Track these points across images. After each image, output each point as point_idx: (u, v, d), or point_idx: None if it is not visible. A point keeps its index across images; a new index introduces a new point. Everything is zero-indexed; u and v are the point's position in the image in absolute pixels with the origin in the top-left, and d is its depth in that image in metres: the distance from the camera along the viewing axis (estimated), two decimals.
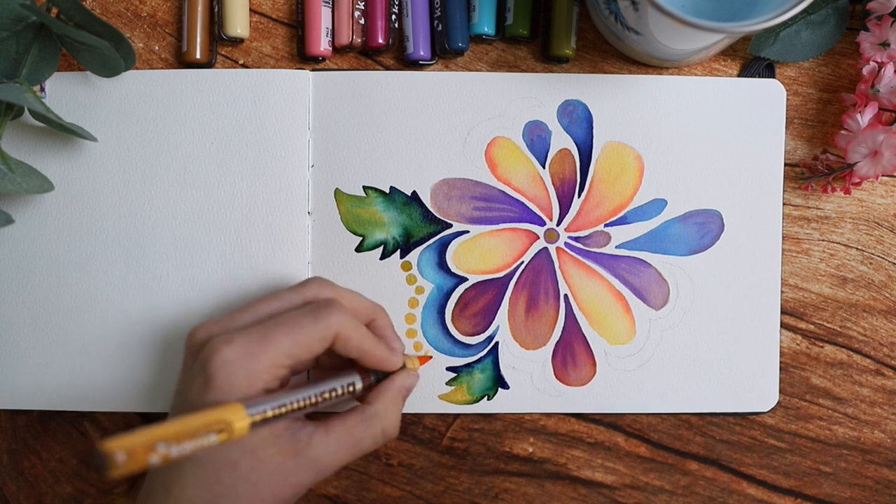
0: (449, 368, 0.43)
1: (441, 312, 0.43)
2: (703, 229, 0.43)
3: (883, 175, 0.41)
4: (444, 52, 0.43)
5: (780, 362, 0.44)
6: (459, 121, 0.43)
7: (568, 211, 0.43)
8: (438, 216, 0.43)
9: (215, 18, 0.43)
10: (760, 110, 0.44)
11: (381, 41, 0.43)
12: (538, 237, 0.43)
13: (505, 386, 0.43)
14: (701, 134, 0.43)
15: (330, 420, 0.36)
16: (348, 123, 0.43)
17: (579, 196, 0.43)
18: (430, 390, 0.43)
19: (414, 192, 0.43)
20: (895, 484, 0.44)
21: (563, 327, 0.43)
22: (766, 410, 0.44)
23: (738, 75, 0.44)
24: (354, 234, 0.43)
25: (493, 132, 0.43)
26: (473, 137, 0.43)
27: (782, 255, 0.44)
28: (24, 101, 0.38)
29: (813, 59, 0.44)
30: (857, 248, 0.44)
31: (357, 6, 0.43)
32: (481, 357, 0.43)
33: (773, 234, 0.44)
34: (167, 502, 0.33)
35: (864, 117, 0.41)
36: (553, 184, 0.43)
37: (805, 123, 0.44)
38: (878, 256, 0.44)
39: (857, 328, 0.44)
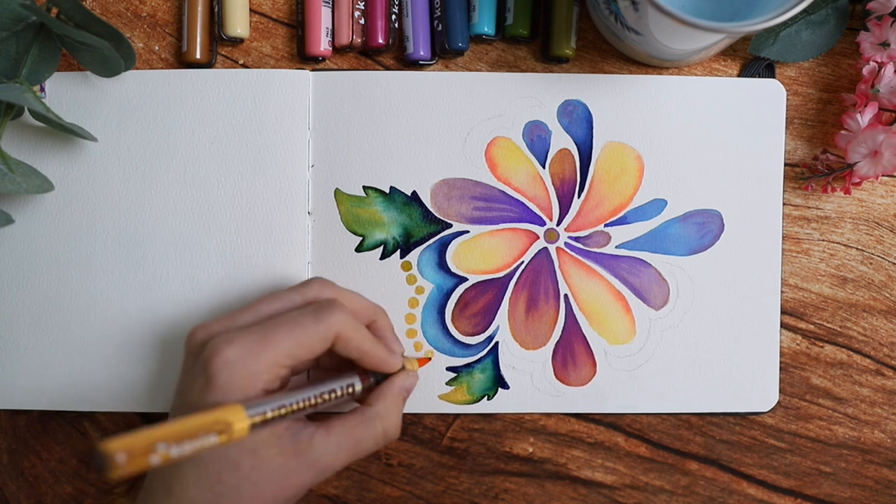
0: (449, 368, 0.43)
1: (441, 312, 0.43)
2: (703, 229, 0.43)
3: (883, 175, 0.41)
4: (444, 52, 0.43)
5: (780, 362, 0.44)
6: (459, 121, 0.43)
7: (568, 211, 0.43)
8: (438, 216, 0.43)
9: (215, 18, 0.43)
10: (760, 110, 0.44)
11: (381, 41, 0.43)
12: (538, 237, 0.43)
13: (505, 386, 0.43)
14: (701, 134, 0.43)
15: (331, 421, 0.36)
16: (348, 123, 0.43)
17: (579, 196, 0.43)
18: (430, 390, 0.43)
19: (414, 192, 0.43)
20: (895, 484, 0.44)
21: (563, 327, 0.43)
22: (766, 410, 0.44)
23: (738, 75, 0.44)
24: (354, 234, 0.43)
25: (493, 132, 0.43)
26: (473, 137, 0.43)
27: (782, 255, 0.44)
28: (24, 101, 0.38)
29: (813, 59, 0.44)
30: (857, 248, 0.44)
31: (357, 6, 0.43)
32: (481, 357, 0.43)
33: (773, 234, 0.44)
34: (168, 502, 0.33)
35: (864, 117, 0.41)
36: (553, 184, 0.43)
37: (805, 123, 0.44)
38: (878, 256, 0.44)
39: (857, 328, 0.44)
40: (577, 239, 0.43)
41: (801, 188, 0.44)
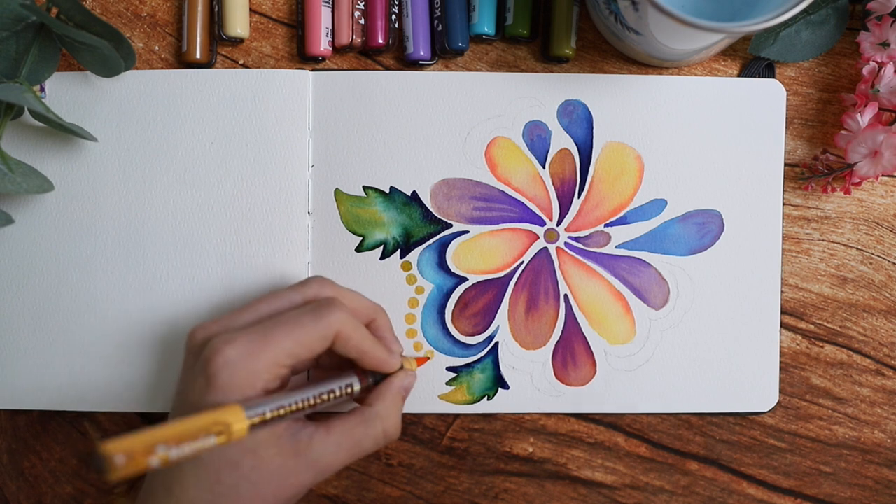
0: (449, 368, 0.43)
1: (441, 312, 0.43)
2: (703, 229, 0.43)
3: (883, 175, 0.41)
4: (444, 52, 0.43)
5: (780, 362, 0.44)
6: (459, 121, 0.43)
7: (568, 211, 0.43)
8: (438, 216, 0.43)
9: (215, 18, 0.43)
10: (760, 110, 0.44)
11: (381, 41, 0.43)
12: (538, 237, 0.43)
13: (505, 386, 0.43)
14: (701, 134, 0.43)
15: (331, 421, 0.36)
16: (348, 123, 0.43)
17: (579, 196, 0.43)
18: (430, 390, 0.43)
19: (414, 192, 0.43)
20: (895, 484, 0.44)
21: (563, 327, 0.43)
22: (766, 410, 0.44)
23: (738, 75, 0.44)
24: (354, 234, 0.43)
25: (493, 132, 0.43)
26: (473, 137, 0.43)
27: (782, 255, 0.44)
28: (24, 101, 0.38)
29: (813, 59, 0.44)
30: (857, 248, 0.44)
31: (357, 6, 0.43)
32: (481, 357, 0.43)
33: (773, 234, 0.44)
34: (168, 502, 0.33)
35: (864, 117, 0.41)
36: (553, 184, 0.43)
37: (805, 123, 0.44)
38: (878, 256, 0.44)
39: (857, 328, 0.44)
40: (577, 239, 0.43)
41: (801, 188, 0.44)
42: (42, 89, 0.42)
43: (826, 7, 0.43)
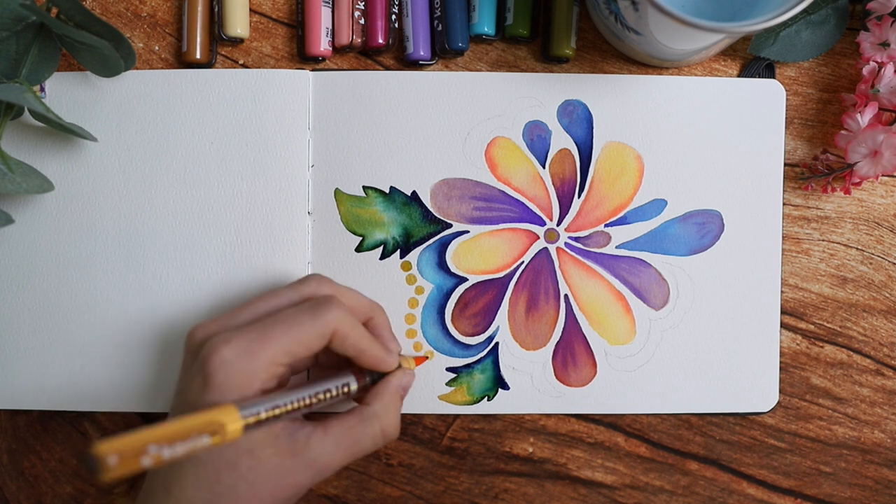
0: (449, 369, 0.43)
1: (441, 312, 0.43)
2: (703, 229, 0.43)
3: (883, 175, 0.41)
4: (444, 52, 0.43)
5: (780, 362, 0.44)
6: (459, 121, 0.43)
7: (568, 211, 0.43)
8: (438, 216, 0.43)
9: (215, 18, 0.43)
10: (760, 110, 0.44)
11: (381, 41, 0.43)
12: (538, 237, 0.43)
13: (505, 386, 0.43)
14: (701, 134, 0.43)
15: (329, 420, 0.36)
16: (348, 123, 0.43)
17: (579, 196, 0.43)
18: (430, 391, 0.43)
19: (414, 192, 0.43)
20: (895, 484, 0.44)
21: (564, 327, 0.43)
22: (766, 410, 0.44)
23: (738, 75, 0.44)
24: (354, 234, 0.43)
25: (493, 132, 0.43)
26: (473, 137, 0.43)
27: (782, 255, 0.44)
28: (24, 101, 0.38)
29: (813, 59, 0.44)
30: (857, 248, 0.44)
31: (357, 6, 0.43)
32: (481, 357, 0.43)
33: (773, 234, 0.44)
34: (167, 502, 0.33)
35: (864, 117, 0.41)
36: (553, 184, 0.43)
37: (805, 123, 0.44)
38: (878, 256, 0.44)
39: (857, 328, 0.44)
40: (577, 239, 0.43)
41: (801, 188, 0.44)
42: (42, 89, 0.42)
43: (826, 7, 0.43)
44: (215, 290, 0.42)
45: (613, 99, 0.43)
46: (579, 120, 0.43)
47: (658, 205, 0.43)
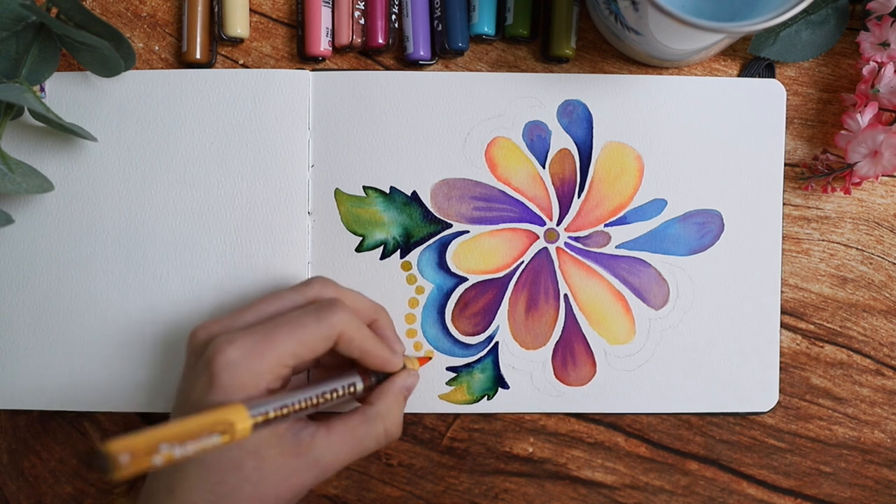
0: (449, 368, 0.43)
1: (441, 312, 0.43)
2: (703, 229, 0.43)
3: (883, 175, 0.41)
4: (444, 52, 0.43)
5: (780, 362, 0.44)
6: (459, 121, 0.43)
7: (568, 211, 0.43)
8: (438, 216, 0.43)
9: (215, 18, 0.43)
10: (760, 110, 0.44)
11: (381, 41, 0.43)
12: (538, 237, 0.43)
13: (505, 386, 0.43)
14: (701, 134, 0.43)
15: (332, 420, 0.36)
16: (348, 123, 0.43)
17: (579, 196, 0.43)
18: (430, 390, 0.43)
19: (414, 192, 0.43)
20: (895, 484, 0.44)
21: (563, 327, 0.43)
22: (766, 410, 0.44)
23: (738, 75, 0.44)
24: (354, 234, 0.43)
25: (493, 132, 0.43)
26: (473, 137, 0.43)
27: (782, 255, 0.44)
28: (24, 101, 0.38)
29: (813, 59, 0.44)
30: (857, 248, 0.44)
31: (357, 6, 0.43)
32: (481, 357, 0.43)
33: (773, 234, 0.44)
34: (170, 503, 0.33)
35: (864, 117, 0.41)
36: (553, 184, 0.43)
37: (805, 123, 0.44)
38: (878, 256, 0.44)
39: (857, 328, 0.44)
40: (577, 239, 0.43)
41: (801, 188, 0.44)
42: (42, 89, 0.42)
43: (826, 7, 0.43)
44: (215, 290, 0.42)
45: (613, 99, 0.43)
46: (579, 120, 0.43)
47: (658, 205, 0.43)
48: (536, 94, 0.43)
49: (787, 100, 0.44)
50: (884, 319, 0.44)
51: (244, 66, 0.44)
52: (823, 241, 0.44)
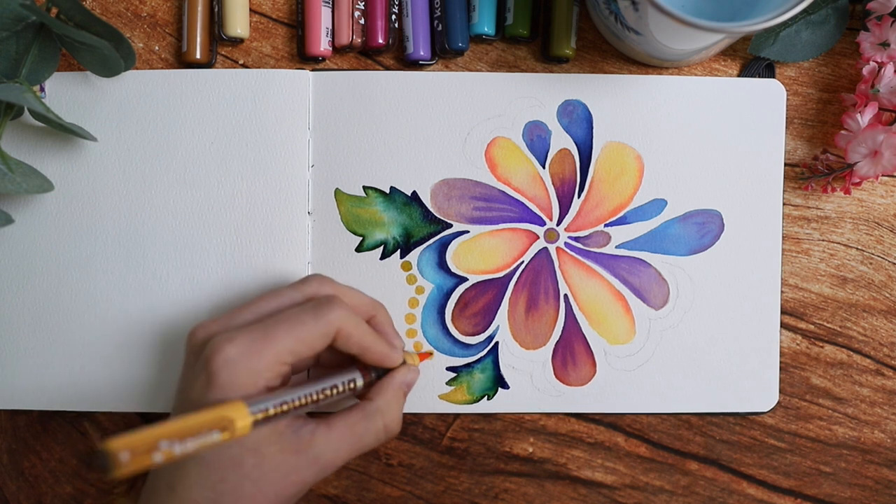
0: (449, 368, 0.43)
1: (441, 312, 0.43)
2: (703, 229, 0.43)
3: (883, 175, 0.41)
4: (444, 52, 0.43)
5: (780, 362, 0.44)
6: (459, 121, 0.43)
7: (568, 211, 0.43)
8: (438, 216, 0.43)
9: (215, 18, 0.43)
10: (760, 110, 0.44)
11: (381, 41, 0.43)
12: (538, 237, 0.43)
13: (505, 386, 0.43)
14: (701, 134, 0.43)
15: (332, 417, 0.36)
16: (348, 123, 0.43)
17: (579, 196, 0.43)
18: (430, 390, 0.43)
19: (414, 192, 0.43)
20: (895, 484, 0.44)
21: (563, 327, 0.43)
22: (766, 410, 0.44)
23: (738, 75, 0.44)
24: (354, 234, 0.43)
25: (493, 132, 0.43)
26: (473, 137, 0.43)
27: (782, 255, 0.44)
28: (24, 101, 0.38)
29: (813, 59, 0.44)
30: (857, 248, 0.44)
31: (357, 6, 0.43)
32: (481, 357, 0.43)
33: (773, 234, 0.44)
34: (171, 501, 0.33)
35: (864, 117, 0.41)
36: (553, 184, 0.43)
37: (805, 123, 0.44)
38: (878, 256, 0.44)
39: (857, 328, 0.44)
40: (577, 239, 0.43)
41: (801, 188, 0.44)
42: (42, 89, 0.42)
43: (826, 7, 0.43)
44: (215, 290, 0.42)
45: (613, 99, 0.43)
46: (579, 120, 0.43)
47: (658, 205, 0.43)
48: (536, 94, 0.43)
49: (787, 100, 0.44)
50: (884, 319, 0.44)
51: (244, 66, 0.44)
52: (823, 241, 0.44)
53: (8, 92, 0.37)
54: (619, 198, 0.43)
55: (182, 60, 0.43)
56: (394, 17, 0.43)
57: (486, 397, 0.43)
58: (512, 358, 0.43)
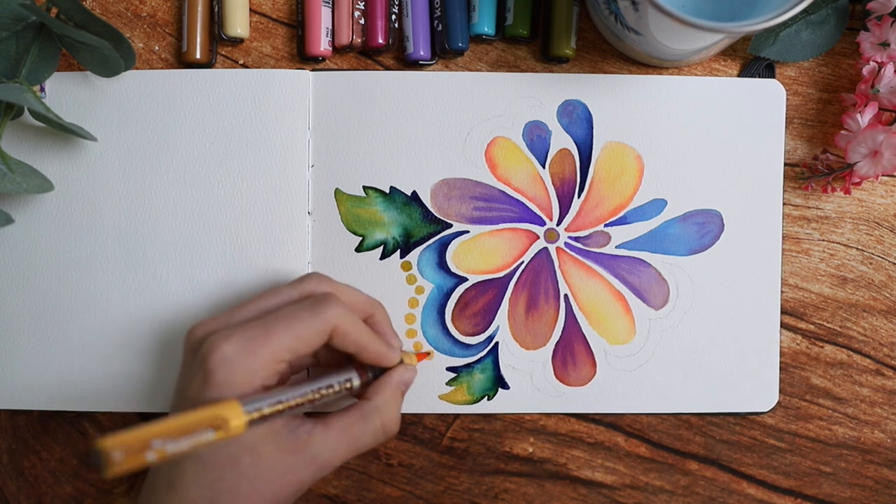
0: (449, 368, 0.43)
1: (441, 312, 0.43)
2: (703, 229, 0.43)
3: (883, 175, 0.41)
4: (444, 52, 0.43)
5: (780, 362, 0.44)
6: (459, 121, 0.43)
7: (568, 211, 0.43)
8: (438, 216, 0.43)
9: (215, 18, 0.43)
10: (760, 110, 0.44)
11: (381, 41, 0.43)
12: (538, 237, 0.43)
13: (505, 386, 0.43)
14: (701, 134, 0.43)
15: (329, 416, 0.36)
16: (348, 123, 0.43)
17: (579, 196, 0.43)
18: (430, 390, 0.43)
19: (414, 192, 0.43)
20: (895, 484, 0.44)
21: (563, 327, 0.43)
22: (766, 410, 0.44)
23: (738, 75, 0.44)
24: (354, 234, 0.43)
25: (493, 132, 0.43)
26: (473, 137, 0.43)
27: (782, 255, 0.44)
28: (24, 101, 0.38)
29: (813, 59, 0.44)
30: (857, 248, 0.44)
31: (357, 6, 0.43)
32: (481, 357, 0.43)
33: (773, 234, 0.44)
34: (170, 498, 0.33)
35: (864, 117, 0.41)
36: (553, 184, 0.43)
37: (805, 123, 0.44)
38: (878, 256, 0.44)
39: (857, 328, 0.44)
40: (577, 239, 0.43)
41: (801, 188, 0.44)
42: (42, 89, 0.42)
43: (826, 7, 0.43)
44: (215, 290, 0.42)
45: (613, 99, 0.43)
46: (579, 120, 0.43)
47: (658, 205, 0.43)
48: (536, 94, 0.43)
49: (787, 100, 0.44)
50: (884, 319, 0.44)
51: (244, 66, 0.44)
52: (823, 241, 0.44)
53: (8, 92, 0.37)
54: (619, 198, 0.43)
55: (182, 60, 0.43)
56: (394, 17, 0.43)
57: (486, 397, 0.43)
58: (512, 358, 0.43)
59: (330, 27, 0.43)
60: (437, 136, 0.43)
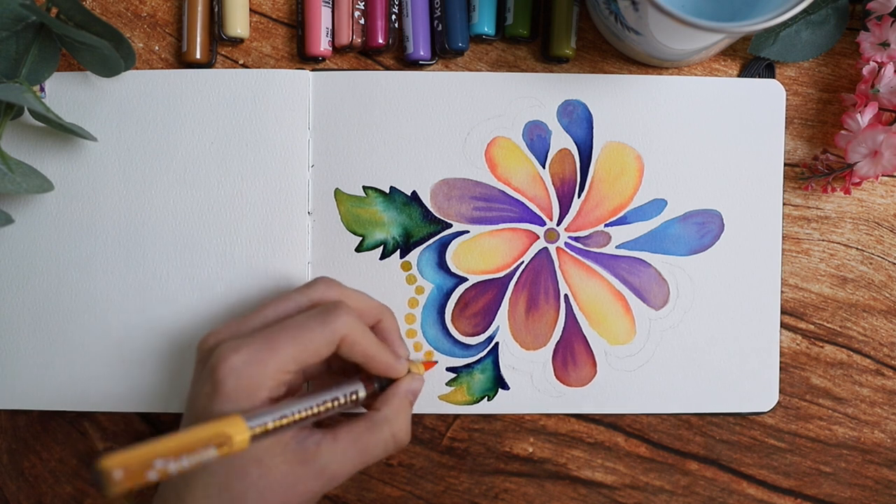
0: (449, 369, 0.43)
1: (441, 312, 0.43)
2: (703, 229, 0.43)
3: (883, 175, 0.41)
4: (444, 52, 0.43)
5: (780, 362, 0.44)
6: (459, 121, 0.43)
7: (568, 211, 0.43)
8: (438, 216, 0.43)
9: (215, 18, 0.43)
10: (760, 110, 0.44)
11: (381, 41, 0.43)
12: (538, 237, 0.43)
13: (505, 386, 0.43)
14: (701, 134, 0.43)
15: (338, 427, 0.35)
16: (348, 123, 0.43)
17: (579, 196, 0.43)
18: (430, 390, 0.43)
19: (414, 192, 0.43)
20: (895, 484, 0.44)
21: (564, 327, 0.43)
22: (766, 410, 0.44)
23: (738, 75, 0.44)
24: (354, 234, 0.43)
25: (493, 132, 0.43)
26: (473, 137, 0.43)
27: (782, 255, 0.44)
28: (24, 101, 0.38)
29: (813, 59, 0.44)
30: (857, 248, 0.44)
31: (357, 6, 0.43)
32: (481, 357, 0.43)
33: (773, 234, 0.44)
34: None
35: (864, 117, 0.41)
36: (553, 184, 0.43)
37: (805, 123, 0.44)
38: (878, 256, 0.44)
39: (857, 328, 0.44)
40: (577, 239, 0.43)
41: (801, 188, 0.44)
42: (42, 89, 0.42)
43: (826, 7, 0.43)
44: (215, 290, 0.42)
45: (613, 99, 0.43)
46: (579, 120, 0.43)
47: (658, 205, 0.43)
48: (536, 94, 0.43)
49: (787, 100, 0.44)
50: (884, 319, 0.44)
51: (244, 66, 0.44)
52: (823, 241, 0.44)
53: (8, 92, 0.37)
54: (619, 198, 0.43)
55: (182, 60, 0.43)
56: (394, 17, 0.43)
57: (486, 398, 0.43)
58: (512, 358, 0.43)
59: (330, 27, 0.43)
60: (437, 136, 0.43)
